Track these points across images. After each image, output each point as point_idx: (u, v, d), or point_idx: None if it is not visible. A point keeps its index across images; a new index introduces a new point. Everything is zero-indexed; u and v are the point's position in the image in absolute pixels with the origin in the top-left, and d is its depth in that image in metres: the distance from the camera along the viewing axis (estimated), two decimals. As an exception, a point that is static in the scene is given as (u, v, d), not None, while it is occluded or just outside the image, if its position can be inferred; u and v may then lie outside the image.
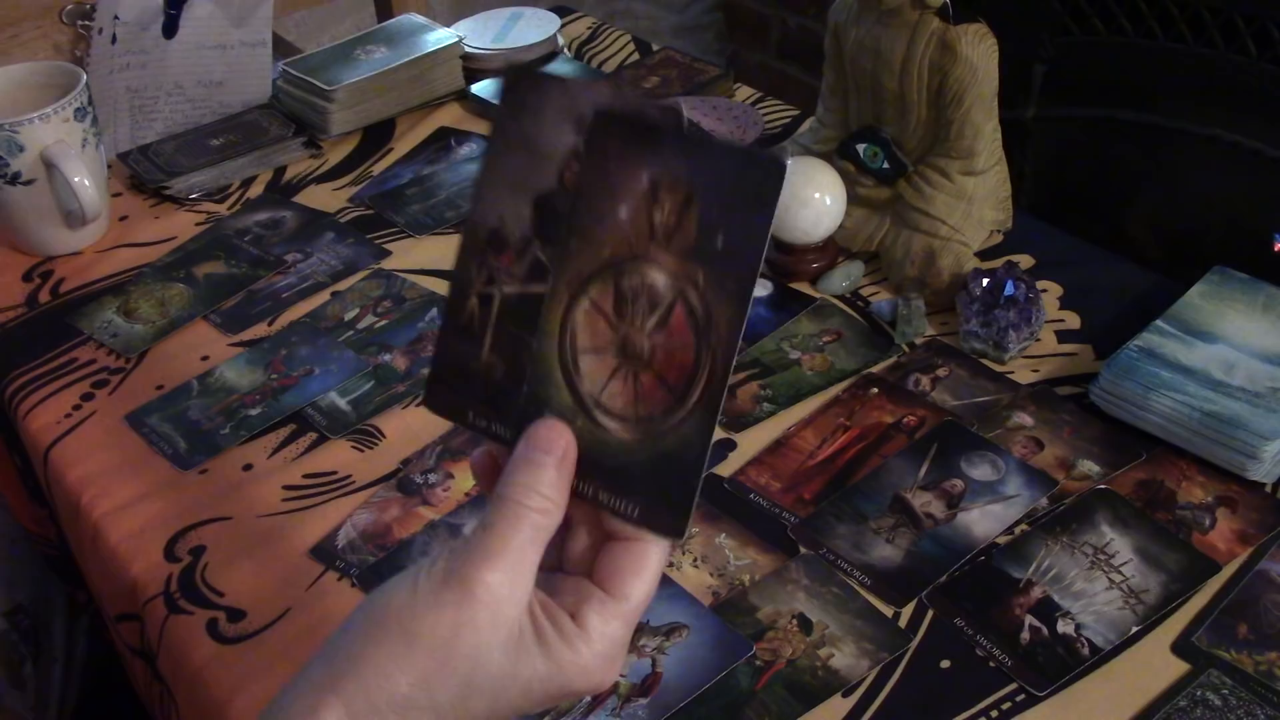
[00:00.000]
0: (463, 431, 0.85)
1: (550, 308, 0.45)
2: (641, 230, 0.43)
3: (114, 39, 1.21)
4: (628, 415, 0.44)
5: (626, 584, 0.44)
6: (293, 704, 0.44)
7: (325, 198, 1.13)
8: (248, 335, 0.96)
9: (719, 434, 0.83)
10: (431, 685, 0.42)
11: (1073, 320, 0.91)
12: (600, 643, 0.44)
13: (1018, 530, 0.75)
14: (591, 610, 0.44)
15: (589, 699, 0.66)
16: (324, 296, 1.00)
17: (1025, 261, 0.96)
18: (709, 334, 0.43)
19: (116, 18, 1.21)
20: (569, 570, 0.46)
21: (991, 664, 0.67)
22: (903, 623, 0.70)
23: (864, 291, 0.95)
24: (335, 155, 1.19)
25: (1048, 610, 0.69)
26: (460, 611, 0.42)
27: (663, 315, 0.43)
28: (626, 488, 0.44)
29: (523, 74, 0.46)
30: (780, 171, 0.41)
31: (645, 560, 0.45)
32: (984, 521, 0.75)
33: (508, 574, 0.43)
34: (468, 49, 1.26)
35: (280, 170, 1.17)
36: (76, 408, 0.90)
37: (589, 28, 1.39)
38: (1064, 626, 0.68)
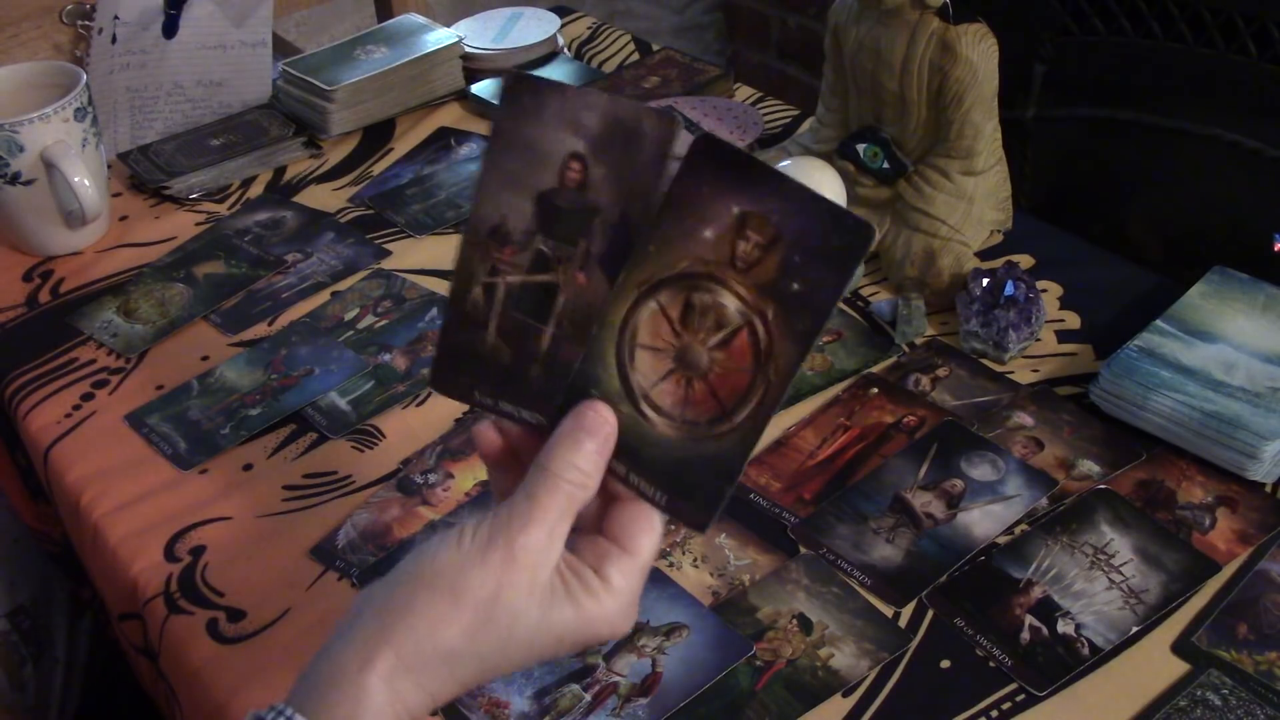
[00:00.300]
0: (463, 432, 0.85)
1: (617, 300, 0.48)
2: (723, 255, 0.46)
3: (114, 39, 1.21)
4: (674, 414, 0.48)
5: (638, 540, 0.49)
6: (344, 652, 0.47)
7: (325, 198, 1.13)
8: (248, 335, 0.96)
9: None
10: (476, 637, 0.47)
11: (1073, 320, 0.91)
12: (622, 594, 0.49)
13: (1018, 530, 0.75)
14: (612, 566, 0.49)
15: (589, 699, 0.67)
16: (324, 296, 1.00)
17: (1025, 261, 0.96)
18: (768, 364, 0.46)
19: (116, 18, 1.21)
20: (579, 526, 0.50)
21: (991, 664, 0.67)
22: (903, 623, 0.70)
23: (864, 291, 0.95)
24: (335, 155, 1.19)
25: (1048, 610, 0.69)
26: (503, 572, 0.47)
27: (728, 336, 0.47)
28: (659, 478, 0.49)
29: (522, 80, 0.50)
30: (868, 238, 0.44)
31: (653, 519, 0.50)
32: (984, 521, 0.75)
33: (545, 539, 0.48)
34: (468, 49, 1.26)
35: (280, 170, 1.17)
36: (76, 408, 0.90)
37: (589, 27, 1.39)
38: (1064, 626, 0.68)
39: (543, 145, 0.49)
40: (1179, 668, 0.66)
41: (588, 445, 0.49)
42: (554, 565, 0.48)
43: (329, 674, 0.47)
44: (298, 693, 0.48)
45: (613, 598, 0.49)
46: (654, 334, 0.48)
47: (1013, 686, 0.66)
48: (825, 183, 0.92)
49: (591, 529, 0.51)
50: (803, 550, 0.75)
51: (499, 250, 0.50)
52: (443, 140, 1.20)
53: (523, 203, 0.50)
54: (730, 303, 0.47)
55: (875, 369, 0.88)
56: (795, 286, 0.45)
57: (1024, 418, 0.82)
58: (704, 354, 0.47)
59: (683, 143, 0.48)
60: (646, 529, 0.50)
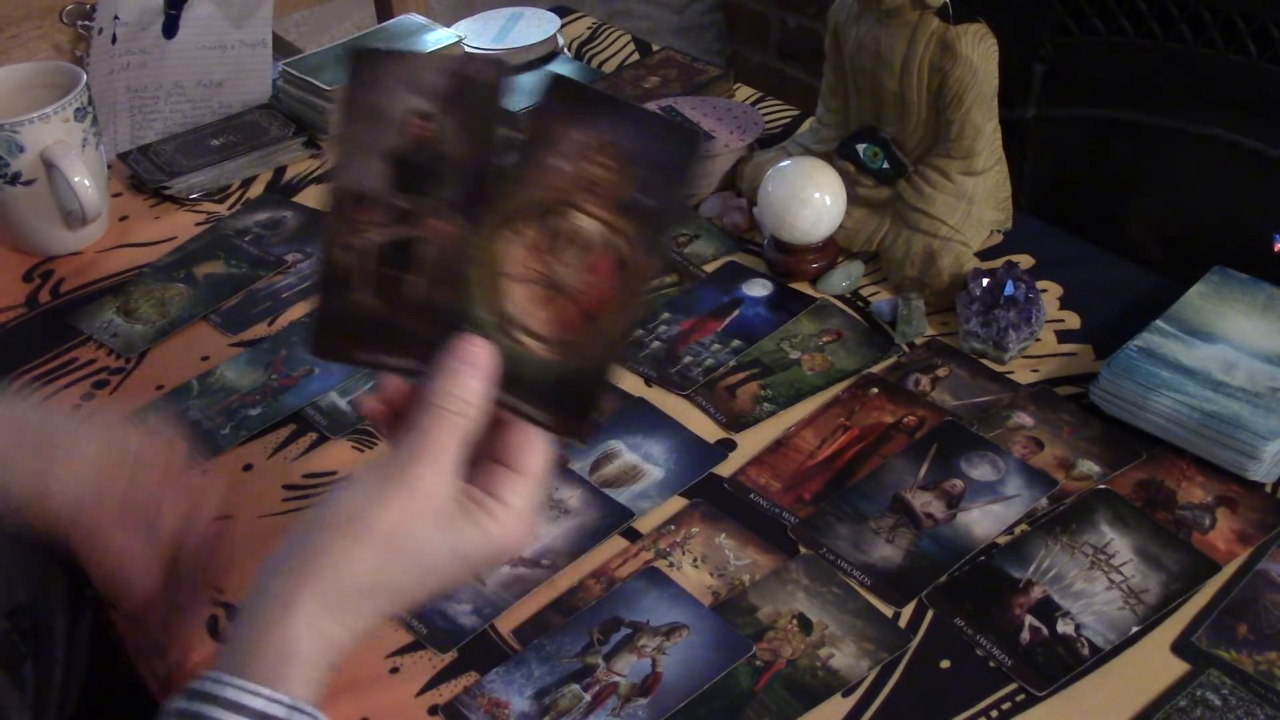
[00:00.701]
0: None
1: (483, 238, 0.52)
2: (577, 182, 0.51)
3: (114, 39, 1.21)
4: (548, 337, 0.52)
5: (527, 460, 0.53)
6: (265, 605, 0.50)
7: (325, 198, 1.13)
8: (248, 335, 0.96)
9: (720, 433, 0.84)
10: (387, 569, 0.51)
11: (1073, 320, 0.91)
12: (518, 511, 0.53)
13: (1018, 530, 0.75)
14: (505, 487, 0.53)
15: (589, 699, 0.67)
16: (324, 296, 0.99)
17: (1025, 261, 0.96)
18: (628, 277, 0.50)
19: (116, 18, 1.21)
20: (475, 458, 0.54)
21: (991, 664, 0.67)
22: (903, 623, 0.70)
23: (864, 291, 0.95)
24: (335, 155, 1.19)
25: (1048, 610, 0.69)
26: (403, 505, 0.51)
27: (590, 256, 0.51)
28: (539, 399, 0.52)
29: (363, 55, 0.54)
30: (695, 141, 0.50)
31: (539, 439, 0.54)
32: (984, 521, 0.75)
33: (439, 470, 0.51)
34: (468, 49, 1.26)
35: (280, 170, 1.17)
36: (77, 408, 0.90)
37: (589, 28, 1.39)
38: (1064, 626, 0.68)
39: (389, 110, 0.52)
40: (1179, 668, 0.66)
41: (466, 374, 0.52)
42: (451, 494, 0.51)
43: (253, 630, 0.50)
44: (225, 655, 0.50)
45: (510, 515, 0.52)
46: (522, 265, 0.52)
47: (1013, 686, 0.66)
48: (825, 183, 0.92)
49: (486, 458, 0.54)
50: (803, 550, 0.75)
51: (363, 214, 0.53)
52: (443, 140, 1.20)
53: (378, 165, 0.53)
54: (588, 225, 0.51)
55: (875, 369, 0.88)
56: (644, 200, 0.50)
57: (1024, 418, 0.82)
58: (570, 276, 0.51)
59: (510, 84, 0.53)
60: (533, 449, 0.53)
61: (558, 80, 0.51)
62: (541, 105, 0.52)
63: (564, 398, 0.52)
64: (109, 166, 1.13)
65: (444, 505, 0.51)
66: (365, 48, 0.53)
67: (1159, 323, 0.83)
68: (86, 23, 1.27)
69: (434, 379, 0.52)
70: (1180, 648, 0.67)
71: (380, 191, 0.53)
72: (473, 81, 0.52)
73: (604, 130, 0.50)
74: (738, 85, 1.24)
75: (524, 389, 0.52)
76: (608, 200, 0.50)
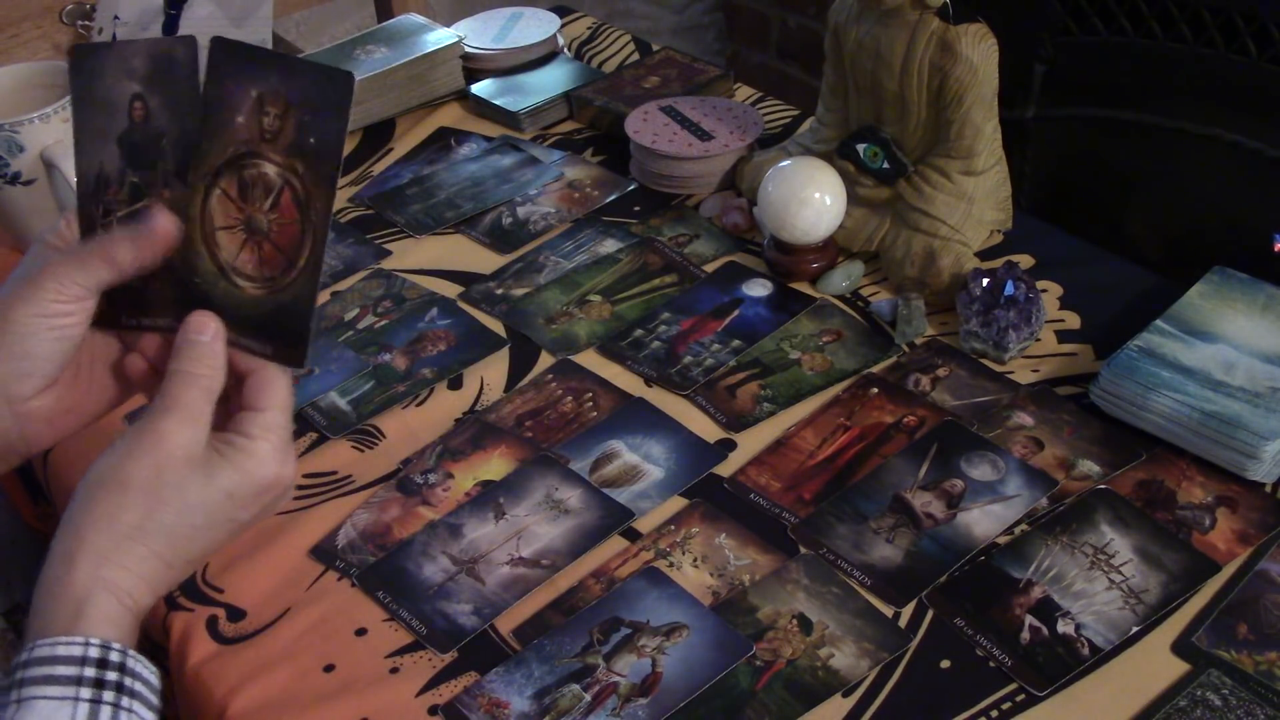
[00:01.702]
0: (463, 432, 0.85)
1: (191, 198, 0.58)
2: (255, 133, 0.56)
3: (114, 39, 1.21)
4: (256, 277, 0.58)
5: (265, 397, 0.57)
6: (52, 568, 0.54)
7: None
8: (248, 335, 0.96)
9: (720, 433, 0.84)
10: (154, 514, 0.54)
11: (1073, 320, 0.91)
12: (267, 442, 0.56)
13: (1018, 530, 0.75)
14: (250, 424, 0.56)
15: (589, 699, 0.67)
16: (324, 296, 0.99)
17: (1025, 261, 0.96)
18: (309, 212, 0.56)
19: (116, 18, 1.21)
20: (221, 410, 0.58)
21: (991, 664, 0.67)
22: (903, 623, 0.70)
23: (864, 291, 0.95)
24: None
25: (1048, 610, 0.69)
26: (156, 455, 0.55)
27: (275, 199, 0.57)
28: (260, 333, 0.58)
29: (81, 50, 0.59)
30: (348, 82, 0.55)
31: (272, 376, 0.58)
32: (984, 521, 0.75)
33: (186, 421, 0.55)
34: (468, 49, 1.26)
35: (280, 170, 1.17)
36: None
37: (589, 28, 1.39)
38: (1064, 626, 0.68)
39: (111, 96, 0.58)
40: (1179, 668, 0.66)
41: (202, 342, 0.57)
42: (203, 442, 0.55)
43: (44, 593, 0.53)
44: (35, 623, 0.53)
45: (261, 446, 0.56)
46: (224, 215, 0.57)
47: (1013, 686, 0.66)
48: (825, 183, 0.92)
49: (231, 404, 0.58)
50: (803, 550, 0.75)
51: (106, 192, 0.59)
52: (442, 140, 1.20)
53: (110, 148, 0.58)
54: (270, 170, 0.56)
55: (875, 369, 0.88)
56: (311, 140, 0.56)
57: (1024, 418, 0.82)
58: (263, 219, 0.57)
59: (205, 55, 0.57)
60: (268, 386, 0.57)
61: (219, 43, 0.56)
62: (211, 68, 0.57)
63: (278, 330, 0.57)
64: (109, 166, 1.13)
65: (194, 450, 0.55)
66: (81, 45, 0.59)
67: (1159, 323, 0.83)
68: (86, 23, 1.27)
69: (175, 353, 0.57)
70: (1180, 648, 0.67)
71: (117, 171, 0.59)
72: (170, 59, 0.57)
73: (271, 83, 0.56)
74: (738, 85, 1.24)
75: (245, 327, 0.58)
76: (282, 146, 0.56)
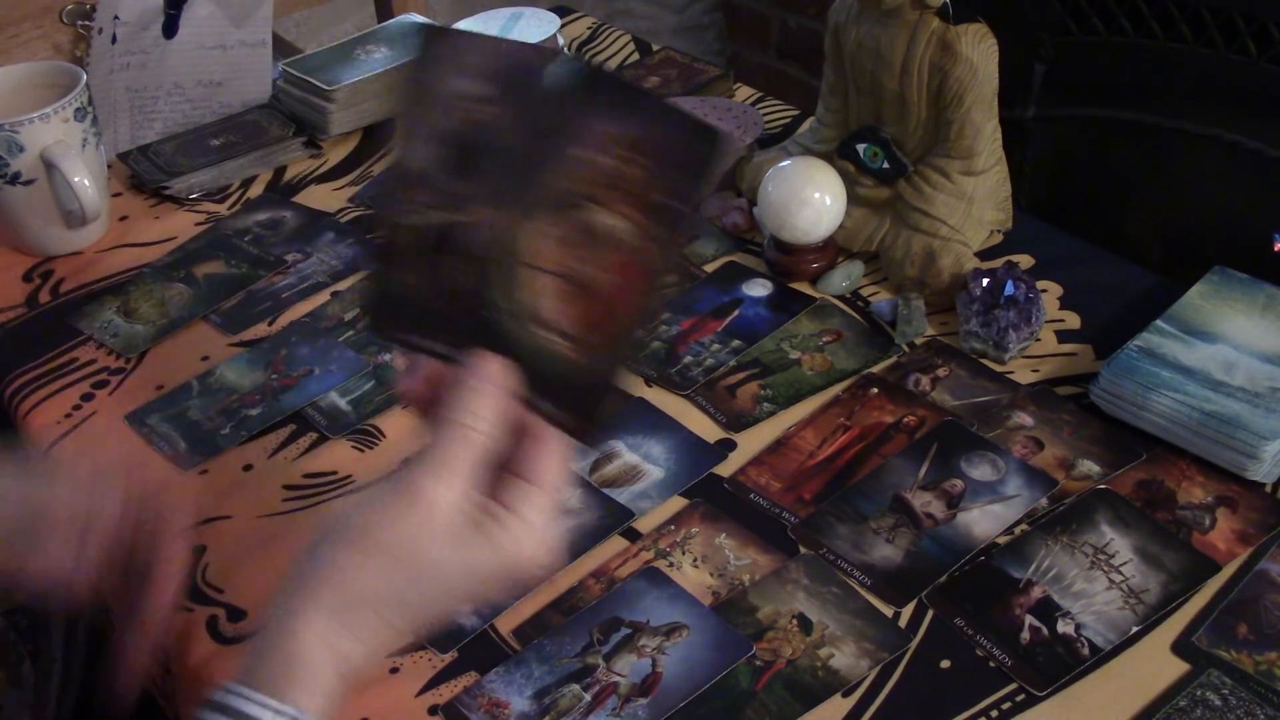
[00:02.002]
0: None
1: (512, 229, 0.51)
2: (601, 176, 0.50)
3: (114, 39, 1.21)
4: (568, 332, 0.51)
5: (545, 473, 0.52)
6: (280, 620, 0.50)
7: (325, 198, 1.13)
8: (248, 335, 0.96)
9: (720, 433, 0.84)
10: (398, 584, 0.50)
11: (1073, 320, 0.91)
12: (534, 526, 0.51)
13: (1018, 530, 0.75)
14: (522, 501, 0.51)
15: (589, 699, 0.67)
16: (324, 296, 1.00)
17: (1025, 261, 0.96)
18: (651, 278, 0.50)
19: (116, 18, 1.21)
20: (490, 464, 0.53)
21: (991, 664, 0.67)
22: (903, 623, 0.70)
23: (864, 291, 0.95)
24: (335, 155, 1.19)
25: (1048, 610, 0.69)
26: (416, 522, 0.50)
27: (606, 251, 0.50)
28: (557, 397, 0.52)
29: (434, 33, 0.53)
30: (716, 142, 0.48)
31: (557, 450, 0.52)
32: (984, 521, 0.75)
33: (455, 488, 0.50)
34: (468, 49, 1.26)
35: (280, 170, 1.17)
36: (76, 408, 0.90)
37: (589, 28, 1.39)
38: (1064, 626, 0.68)
39: (450, 91, 0.52)
40: (1179, 668, 0.66)
41: (489, 393, 0.51)
42: (462, 507, 0.50)
43: (263, 642, 0.50)
44: (241, 667, 0.50)
45: (526, 531, 0.51)
46: (543, 256, 0.51)
47: (1013, 686, 0.66)
48: (825, 183, 0.92)
49: (501, 466, 0.53)
50: (803, 550, 0.75)
51: (416, 193, 0.53)
52: (443, 140, 1.20)
53: (434, 147, 0.52)
54: (612, 220, 0.50)
55: (875, 369, 0.88)
56: (659, 197, 0.49)
57: (1024, 418, 0.82)
58: (588, 270, 0.50)
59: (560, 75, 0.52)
60: (549, 458, 0.52)
61: (591, 70, 0.51)
62: (564, 91, 0.50)
63: (578, 397, 0.51)
64: (109, 166, 1.13)
65: (453, 519, 0.50)
66: (435, 26, 0.53)
67: (1159, 323, 0.83)
68: (86, 23, 1.27)
69: (457, 396, 0.52)
70: (1180, 648, 0.67)
71: (435, 174, 0.52)
72: (529, 70, 0.51)
73: (630, 124, 0.49)
74: (738, 85, 1.24)
75: (541, 385, 0.52)
76: (637, 199, 0.49)
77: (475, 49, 0.52)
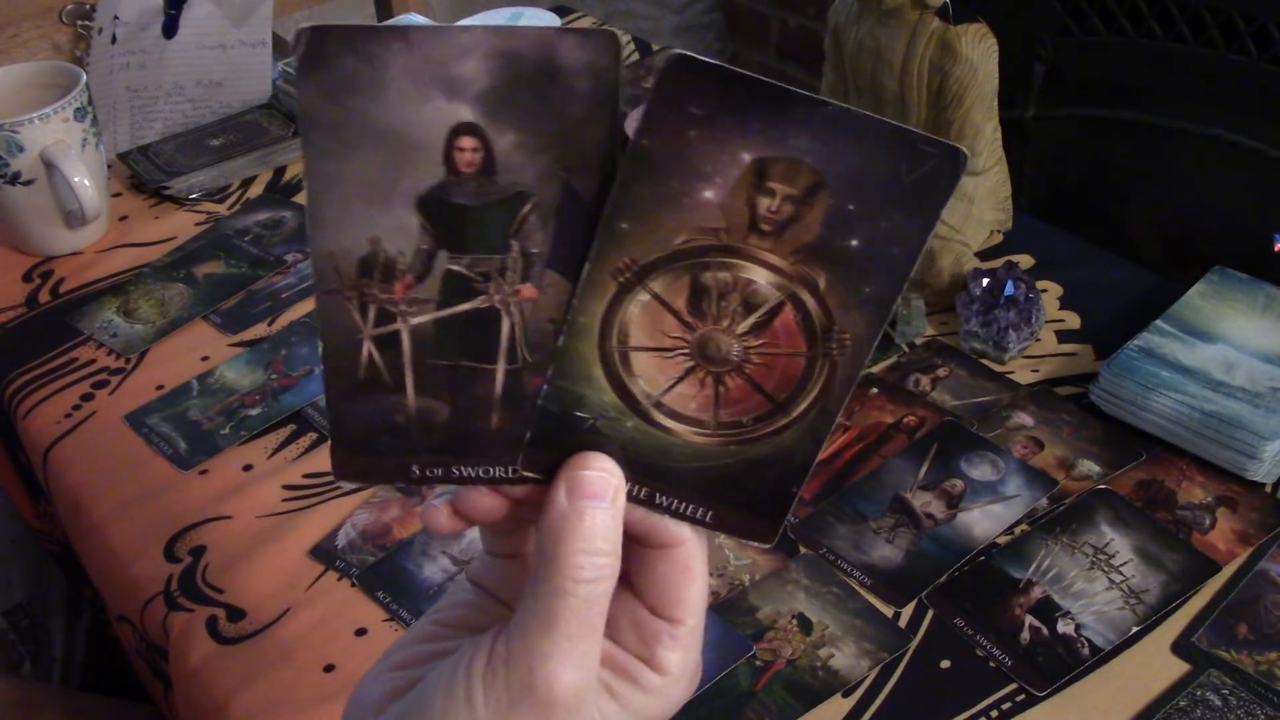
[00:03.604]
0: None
1: (587, 300, 0.37)
2: (738, 219, 0.35)
3: (114, 39, 1.21)
4: (703, 420, 0.39)
5: (685, 602, 0.39)
6: None
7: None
8: (248, 335, 0.96)
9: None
10: None
11: (1073, 320, 0.91)
12: (683, 674, 0.39)
13: (1018, 530, 0.75)
14: (664, 647, 0.39)
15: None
16: (324, 296, 0.99)
17: (1025, 261, 0.96)
18: (829, 342, 0.38)
19: (116, 18, 1.21)
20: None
21: (991, 664, 0.67)
22: (903, 623, 0.70)
23: (864, 291, 0.95)
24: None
25: (1048, 610, 0.69)
26: (531, 714, 0.36)
27: (763, 318, 0.37)
28: (698, 493, 0.39)
29: (329, 37, 0.33)
30: (958, 164, 0.35)
31: (693, 567, 0.39)
32: (984, 521, 0.75)
33: (581, 668, 0.36)
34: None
35: (280, 170, 1.17)
36: (76, 408, 0.90)
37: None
38: (1064, 626, 0.68)
39: (404, 126, 0.34)
40: (1179, 668, 0.66)
41: (597, 519, 0.37)
42: (593, 684, 0.37)
43: None
44: None
45: (673, 684, 0.39)
46: (654, 331, 0.37)
47: (1013, 686, 0.66)
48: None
49: (624, 591, 0.40)
50: (803, 550, 0.75)
51: (384, 288, 0.37)
52: (443, 140, 1.20)
53: (400, 215, 0.36)
54: (760, 276, 0.36)
55: (875, 369, 0.88)
56: (855, 243, 0.35)
57: (1024, 418, 0.82)
58: (733, 343, 0.37)
59: (634, 66, 0.38)
60: (689, 583, 0.39)
61: (682, 61, 0.33)
62: (668, 101, 0.34)
63: (737, 492, 0.39)
64: (109, 166, 1.13)
65: (590, 703, 0.37)
66: (324, 26, 0.33)
67: (1159, 323, 0.83)
68: (86, 23, 1.27)
69: (553, 537, 0.37)
70: (1180, 648, 0.67)
71: (414, 253, 0.36)
72: (556, 70, 0.34)
73: (787, 144, 0.34)
74: (738, 85, 1.24)
75: (671, 481, 0.39)
76: (792, 243, 0.36)
77: (427, 51, 0.34)
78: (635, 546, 0.39)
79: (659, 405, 0.38)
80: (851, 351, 0.38)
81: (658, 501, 0.39)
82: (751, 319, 0.37)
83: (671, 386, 0.38)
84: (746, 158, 0.34)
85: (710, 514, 0.39)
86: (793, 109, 0.34)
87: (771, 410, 0.39)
